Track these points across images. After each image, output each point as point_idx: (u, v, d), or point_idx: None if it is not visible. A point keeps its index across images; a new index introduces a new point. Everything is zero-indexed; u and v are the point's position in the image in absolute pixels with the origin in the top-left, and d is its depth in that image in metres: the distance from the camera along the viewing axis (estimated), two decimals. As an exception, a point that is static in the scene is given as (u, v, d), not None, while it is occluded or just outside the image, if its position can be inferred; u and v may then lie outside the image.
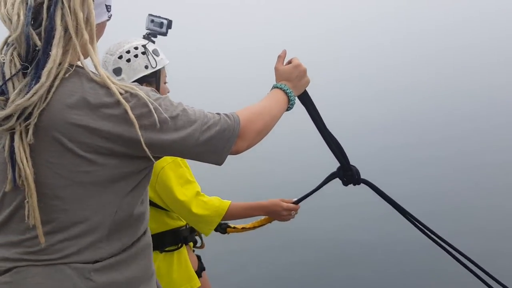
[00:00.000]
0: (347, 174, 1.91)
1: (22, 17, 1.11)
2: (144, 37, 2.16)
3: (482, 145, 8.03)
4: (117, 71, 2.00)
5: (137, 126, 1.15)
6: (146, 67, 2.02)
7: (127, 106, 1.14)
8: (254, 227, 2.31)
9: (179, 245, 2.19)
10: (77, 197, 1.18)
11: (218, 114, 1.34)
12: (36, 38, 1.12)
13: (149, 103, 1.18)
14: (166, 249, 2.17)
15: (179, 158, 2.04)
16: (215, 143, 1.29)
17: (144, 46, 2.05)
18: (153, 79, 2.05)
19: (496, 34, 20.08)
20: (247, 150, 1.40)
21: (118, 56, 2.01)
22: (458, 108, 10.89)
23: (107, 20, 1.34)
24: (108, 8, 1.31)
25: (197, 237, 2.35)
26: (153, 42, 2.17)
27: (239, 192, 6.00)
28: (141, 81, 1.99)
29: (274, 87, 1.59)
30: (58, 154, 1.14)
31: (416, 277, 4.17)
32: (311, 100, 1.75)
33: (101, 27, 1.32)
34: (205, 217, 2.04)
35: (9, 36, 1.15)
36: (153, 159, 1.22)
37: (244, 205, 2.17)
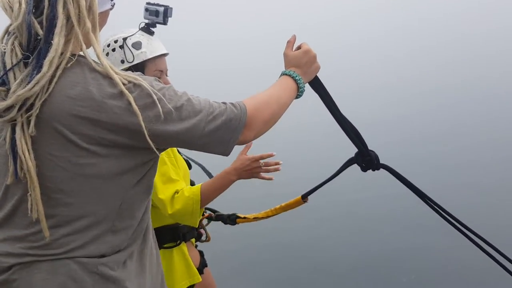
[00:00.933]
0: (366, 159, 1.85)
1: (23, 5, 1.10)
2: (142, 28, 2.07)
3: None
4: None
5: (140, 117, 1.13)
6: (122, 61, 1.97)
7: (131, 97, 1.13)
8: (267, 216, 2.24)
9: (178, 242, 2.16)
10: (80, 190, 1.16)
11: (224, 103, 1.30)
12: (37, 26, 1.11)
13: (153, 94, 1.16)
14: (165, 245, 2.13)
15: (164, 155, 2.00)
16: (221, 133, 1.26)
17: (124, 39, 1.99)
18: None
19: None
20: (254, 139, 1.37)
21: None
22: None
23: (110, 9, 1.31)
24: None
25: (202, 230, 2.32)
26: (151, 33, 2.08)
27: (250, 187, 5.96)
28: None
29: (283, 74, 1.54)
30: (60, 147, 1.13)
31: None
32: (323, 85, 1.70)
33: (104, 16, 1.29)
34: (182, 210, 1.97)
35: (10, 25, 1.13)
36: (157, 151, 1.19)
37: (213, 180, 2.06)
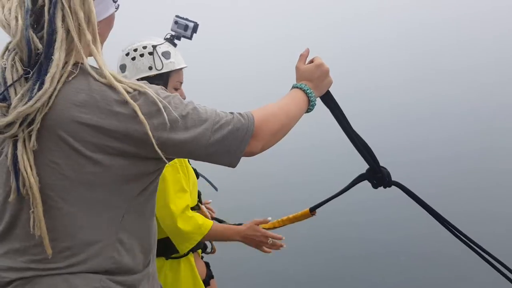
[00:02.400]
0: (377, 176, 1.81)
1: (20, 21, 1.08)
2: (166, 39, 2.10)
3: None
4: (122, 68, 1.98)
5: (147, 126, 1.11)
6: (150, 68, 1.98)
7: (136, 106, 1.11)
8: (274, 227, 2.21)
9: (186, 253, 2.14)
10: (82, 200, 1.13)
11: (232, 113, 1.27)
12: (37, 41, 1.09)
13: (158, 102, 1.13)
14: (172, 256, 2.11)
15: (177, 162, 1.99)
16: (228, 143, 1.23)
17: (154, 46, 2.00)
18: (160, 82, 1.96)
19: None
20: (262, 151, 1.33)
21: (126, 53, 1.98)
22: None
23: (115, 11, 1.29)
24: None
25: (207, 242, 2.29)
26: (175, 45, 2.10)
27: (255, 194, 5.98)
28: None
29: (294, 86, 1.51)
30: (64, 154, 1.10)
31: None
32: (335, 101, 1.66)
33: (109, 20, 1.28)
34: (187, 233, 1.98)
35: (10, 42, 1.12)
36: (166, 160, 1.16)
37: (224, 228, 2.11)
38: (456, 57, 14.83)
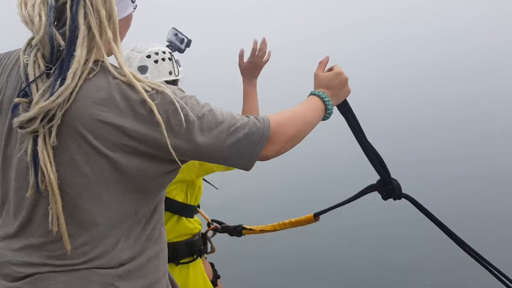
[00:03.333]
0: (388, 188, 1.81)
1: (44, 18, 1.09)
2: (169, 47, 2.20)
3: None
4: (143, 69, 2.01)
5: (163, 125, 1.11)
6: (170, 73, 2.04)
7: (153, 105, 1.11)
8: (274, 230, 2.25)
9: (194, 257, 2.17)
10: (99, 197, 1.14)
11: (247, 116, 1.26)
12: (59, 38, 1.09)
13: (175, 101, 1.13)
14: (181, 261, 2.14)
15: None
16: (243, 146, 1.22)
17: (171, 53, 2.09)
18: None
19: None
20: (276, 156, 1.32)
21: (146, 55, 2.01)
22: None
23: (133, 11, 1.30)
24: None
25: (207, 242, 2.34)
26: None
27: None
28: None
29: (312, 93, 1.50)
30: (82, 151, 1.11)
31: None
32: (351, 110, 1.65)
33: (128, 19, 1.29)
34: None
35: (32, 38, 1.12)
36: (179, 162, 1.16)
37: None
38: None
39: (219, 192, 2.59)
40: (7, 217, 1.20)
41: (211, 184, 2.50)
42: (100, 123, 1.09)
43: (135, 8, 1.30)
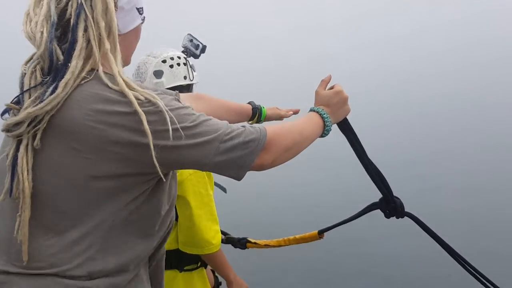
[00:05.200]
0: (390, 206, 1.79)
1: (45, 34, 1.12)
2: (184, 53, 2.26)
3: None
4: (158, 74, 2.06)
5: (150, 136, 1.10)
6: (185, 77, 2.10)
7: (142, 115, 1.10)
8: (279, 245, 2.24)
9: (199, 264, 2.16)
10: (75, 200, 1.14)
11: (243, 126, 1.26)
12: (59, 53, 1.13)
13: (166, 113, 1.12)
14: (186, 268, 2.12)
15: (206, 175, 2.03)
16: (237, 154, 1.21)
17: (185, 58, 2.15)
18: (186, 92, 2.09)
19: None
20: (272, 166, 1.30)
21: (162, 59, 2.07)
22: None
23: (141, 23, 1.32)
24: (140, 10, 1.30)
25: None
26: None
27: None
28: (177, 90, 1.99)
29: (311, 110, 1.51)
30: (64, 153, 1.12)
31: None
32: (351, 128, 1.66)
33: (136, 31, 1.32)
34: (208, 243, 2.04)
35: (35, 53, 1.16)
36: (161, 174, 1.15)
37: (225, 265, 2.18)
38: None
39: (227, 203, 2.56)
40: None
41: (220, 187, 2.45)
42: (84, 126, 1.10)
43: (143, 20, 1.32)
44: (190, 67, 2.14)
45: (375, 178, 1.74)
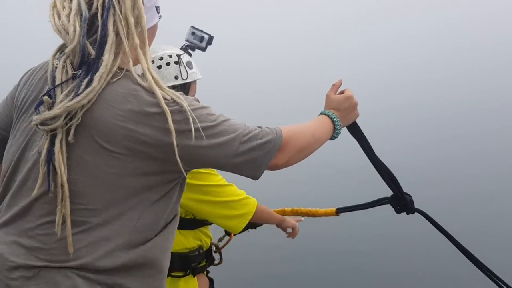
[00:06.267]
0: (401, 203, 1.85)
1: (78, 29, 1.13)
2: (182, 48, 2.11)
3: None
4: None
5: (174, 134, 1.13)
6: (176, 77, 1.95)
7: (168, 113, 1.13)
8: (296, 213, 2.38)
9: (187, 272, 2.08)
10: (102, 198, 1.16)
11: (260, 127, 1.30)
12: (90, 47, 1.14)
13: (189, 112, 1.15)
14: (172, 273, 2.04)
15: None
16: (255, 154, 1.25)
17: (178, 56, 1.98)
18: (182, 91, 1.98)
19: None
20: (286, 166, 1.35)
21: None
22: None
23: (158, 21, 1.35)
24: (157, 9, 1.33)
25: (214, 255, 2.24)
26: (190, 54, 2.11)
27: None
28: None
29: (321, 113, 1.54)
30: (93, 151, 1.13)
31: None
32: (361, 131, 1.70)
33: (154, 29, 1.34)
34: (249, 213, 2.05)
35: (63, 45, 1.17)
36: (183, 171, 1.18)
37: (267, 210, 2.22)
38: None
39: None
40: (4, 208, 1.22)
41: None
42: (114, 125, 1.12)
43: (160, 18, 1.36)
44: (185, 64, 1.97)
45: (385, 177, 1.78)
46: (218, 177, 2.01)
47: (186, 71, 1.97)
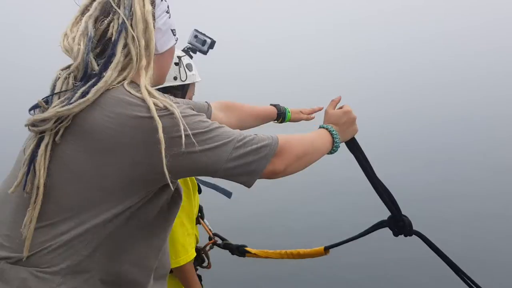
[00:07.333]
0: (399, 224, 1.80)
1: (82, 47, 1.19)
2: (183, 50, 2.13)
3: None
4: None
5: (163, 145, 1.11)
6: (175, 78, 1.99)
7: (159, 122, 1.13)
8: (280, 257, 2.21)
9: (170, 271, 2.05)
10: (76, 195, 1.16)
11: (255, 134, 1.28)
12: (95, 64, 1.19)
13: (180, 121, 1.15)
14: None
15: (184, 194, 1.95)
16: (249, 159, 1.23)
17: (179, 57, 2.03)
18: (179, 92, 2.02)
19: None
20: (285, 174, 1.31)
21: None
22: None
23: (175, 43, 1.39)
24: (173, 32, 1.37)
25: (204, 256, 2.27)
26: (191, 57, 2.13)
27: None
28: (166, 90, 1.94)
29: (321, 127, 1.55)
30: (78, 149, 1.15)
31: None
32: (360, 147, 1.68)
33: (171, 51, 1.39)
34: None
35: (71, 64, 1.22)
36: (169, 182, 1.16)
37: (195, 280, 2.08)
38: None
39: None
40: None
41: (224, 192, 2.39)
42: (103, 128, 1.13)
43: (176, 40, 1.39)
44: (185, 66, 2.03)
45: (384, 196, 1.74)
46: None
47: (186, 73, 2.02)
